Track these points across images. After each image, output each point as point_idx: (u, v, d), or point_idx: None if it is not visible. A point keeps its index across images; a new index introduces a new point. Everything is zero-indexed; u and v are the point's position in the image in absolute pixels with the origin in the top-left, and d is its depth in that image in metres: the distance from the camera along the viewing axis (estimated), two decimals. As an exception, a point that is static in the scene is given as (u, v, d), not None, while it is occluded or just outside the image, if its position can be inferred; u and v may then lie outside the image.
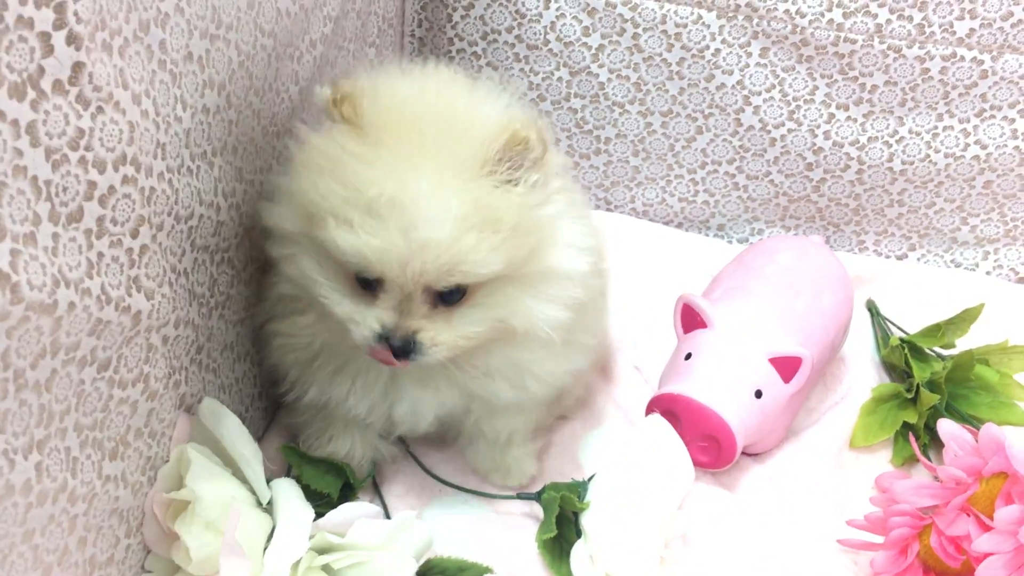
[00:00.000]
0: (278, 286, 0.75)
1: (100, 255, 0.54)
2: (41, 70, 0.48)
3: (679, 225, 1.25)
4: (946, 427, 0.82)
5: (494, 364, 0.74)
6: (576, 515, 0.82)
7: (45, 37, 0.48)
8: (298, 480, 0.76)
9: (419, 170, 0.62)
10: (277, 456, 0.81)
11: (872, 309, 1.15)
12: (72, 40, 0.49)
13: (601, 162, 1.21)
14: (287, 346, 0.77)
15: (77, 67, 0.50)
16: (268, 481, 0.71)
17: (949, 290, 1.17)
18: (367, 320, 0.66)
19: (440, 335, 0.67)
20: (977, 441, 0.79)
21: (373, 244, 0.62)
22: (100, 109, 0.53)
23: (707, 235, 1.25)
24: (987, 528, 0.77)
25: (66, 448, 0.54)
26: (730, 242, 1.25)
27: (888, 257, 1.22)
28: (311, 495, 0.76)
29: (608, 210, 1.26)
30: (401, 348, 0.66)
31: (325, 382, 0.77)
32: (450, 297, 0.67)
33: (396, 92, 0.67)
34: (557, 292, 0.69)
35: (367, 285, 0.66)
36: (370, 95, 0.66)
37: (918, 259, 1.22)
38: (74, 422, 0.54)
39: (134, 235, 0.57)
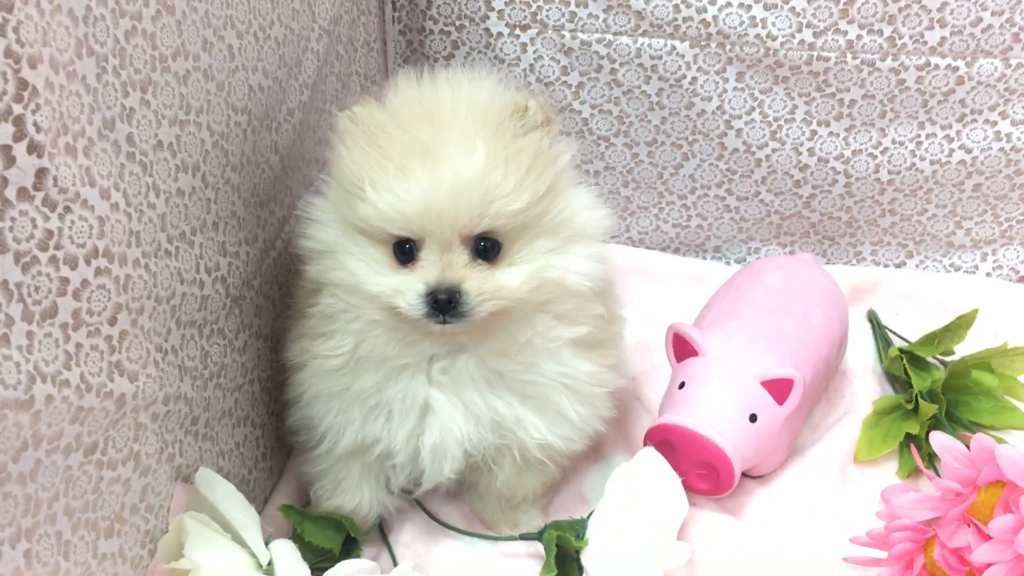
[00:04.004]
0: (320, 310, 0.77)
1: (78, 346, 0.57)
2: (4, 180, 0.51)
3: (675, 250, 1.26)
4: (939, 439, 0.82)
5: (535, 352, 0.76)
6: (578, 552, 0.83)
7: (6, 150, 0.51)
8: (300, 537, 0.78)
9: (444, 129, 0.70)
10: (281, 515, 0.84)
11: (873, 320, 1.15)
12: (33, 149, 0.53)
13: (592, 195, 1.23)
14: (321, 371, 0.78)
15: (40, 173, 0.53)
16: (267, 543, 0.73)
17: (951, 294, 1.17)
18: (411, 284, 0.71)
19: (485, 284, 0.71)
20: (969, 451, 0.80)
21: (410, 197, 0.68)
22: (68, 209, 0.56)
23: (704, 258, 1.26)
24: (987, 538, 0.77)
25: (57, 533, 0.56)
26: (728, 263, 1.26)
27: (886, 266, 1.22)
28: (313, 551, 0.78)
29: (603, 241, 1.27)
30: (448, 301, 0.70)
31: (360, 423, 0.78)
32: (487, 252, 0.72)
33: (412, 90, 0.75)
34: (582, 248, 0.75)
35: (406, 257, 0.71)
36: (387, 101, 0.75)
37: (916, 266, 1.22)
38: (64, 506, 0.57)
39: (112, 323, 0.60)
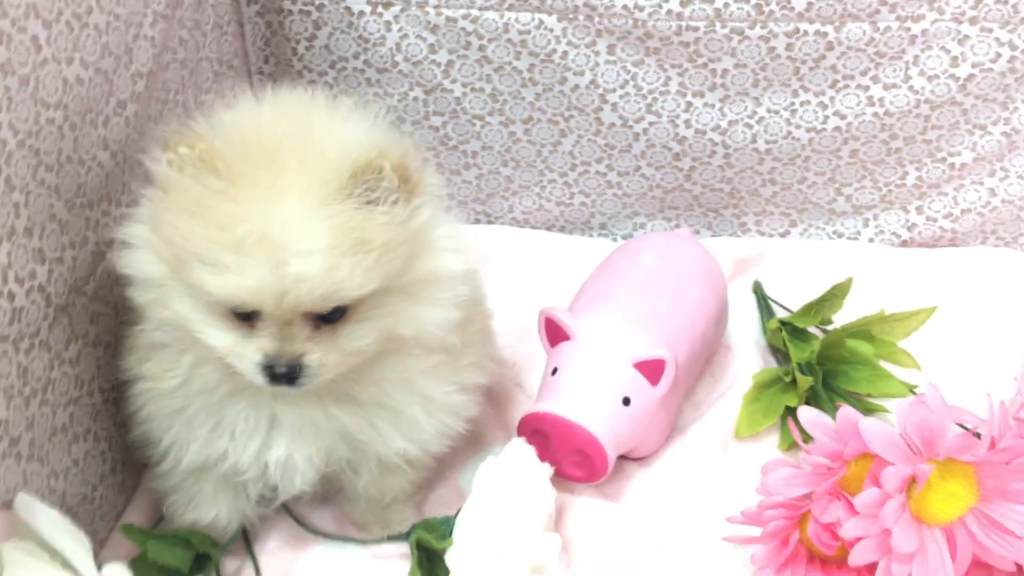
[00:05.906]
0: (146, 334, 0.72)
1: None
2: None
3: (561, 229, 1.24)
4: (806, 414, 0.81)
5: (387, 383, 0.72)
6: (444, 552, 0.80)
7: None
8: (144, 557, 0.74)
9: (283, 201, 0.61)
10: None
11: (758, 292, 1.14)
12: None
13: (472, 176, 1.19)
14: (153, 392, 0.73)
15: None
16: (101, 568, 0.68)
17: (834, 262, 1.16)
18: (248, 352, 0.65)
19: (328, 355, 0.65)
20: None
21: (245, 283, 0.61)
22: None
23: (591, 235, 1.24)
24: (857, 512, 0.76)
25: None
26: (615, 239, 1.23)
27: (771, 236, 1.21)
28: (161, 571, 0.74)
29: (488, 222, 1.24)
30: (287, 375, 0.65)
31: (204, 441, 0.74)
32: (332, 316, 0.65)
33: (250, 122, 0.66)
34: (440, 295, 0.69)
35: (244, 316, 0.65)
36: (222, 130, 0.65)
37: (800, 234, 1.21)
38: None
39: None
